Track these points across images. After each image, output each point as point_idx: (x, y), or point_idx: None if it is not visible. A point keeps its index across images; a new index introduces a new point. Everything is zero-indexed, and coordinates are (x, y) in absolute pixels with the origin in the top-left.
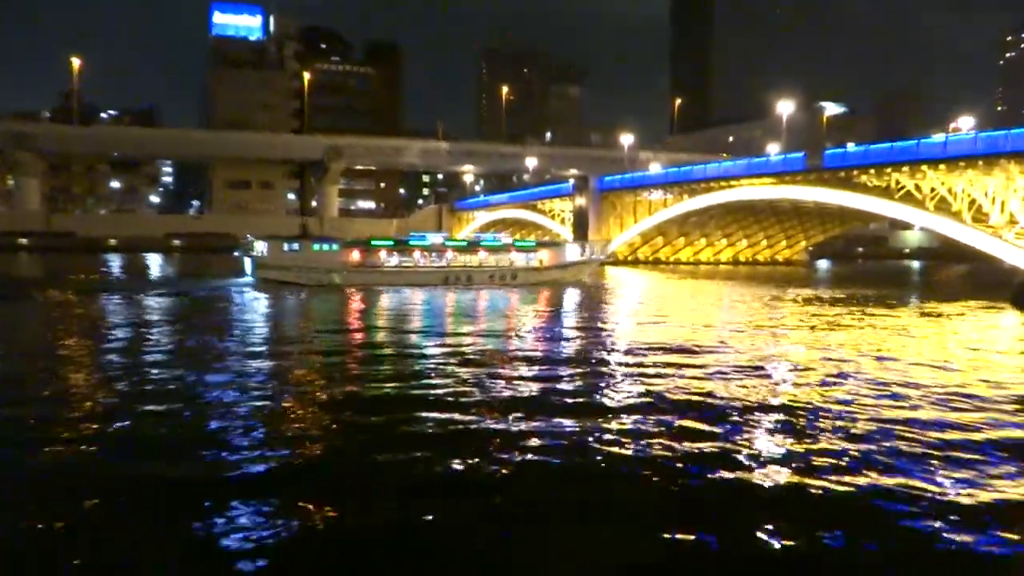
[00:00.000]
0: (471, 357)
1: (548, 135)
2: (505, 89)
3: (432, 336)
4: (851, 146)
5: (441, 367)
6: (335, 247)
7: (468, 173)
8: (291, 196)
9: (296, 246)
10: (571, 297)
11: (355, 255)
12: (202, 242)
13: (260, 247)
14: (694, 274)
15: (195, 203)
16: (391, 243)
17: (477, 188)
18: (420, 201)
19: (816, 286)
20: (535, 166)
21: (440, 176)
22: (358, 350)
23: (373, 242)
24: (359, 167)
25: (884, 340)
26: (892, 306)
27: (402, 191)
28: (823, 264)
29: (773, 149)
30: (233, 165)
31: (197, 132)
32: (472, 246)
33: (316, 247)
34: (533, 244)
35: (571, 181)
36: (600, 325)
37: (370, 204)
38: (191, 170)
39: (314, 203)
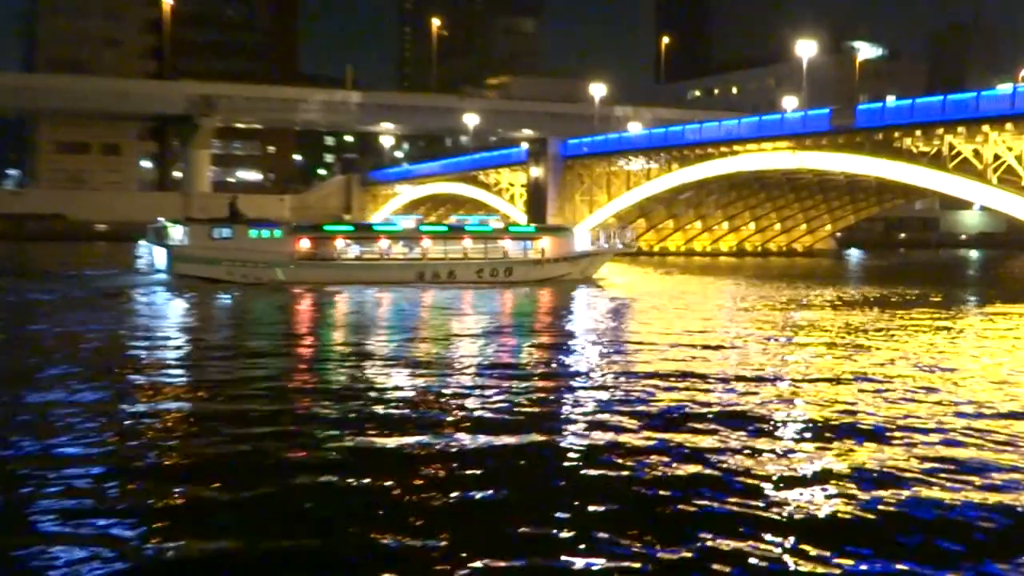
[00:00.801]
0: (461, 411)
1: (495, 85)
2: (436, 23)
3: (399, 368)
4: (891, 100)
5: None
6: (278, 233)
7: (387, 134)
8: (146, 164)
9: (227, 232)
10: (586, 303)
11: (304, 244)
12: (20, 227)
13: (177, 233)
14: (686, 268)
15: (12, 173)
16: (350, 229)
17: (399, 155)
18: (322, 172)
19: (845, 284)
20: (476, 125)
21: (349, 138)
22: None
23: (327, 227)
24: (240, 125)
25: (935, 357)
26: (943, 311)
27: (298, 158)
28: (854, 254)
29: (790, 104)
30: (65, 122)
31: (13, 76)
32: (455, 233)
33: (254, 233)
34: (532, 230)
35: (524, 145)
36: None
37: (255, 175)
38: (5, 129)
39: (178, 173)
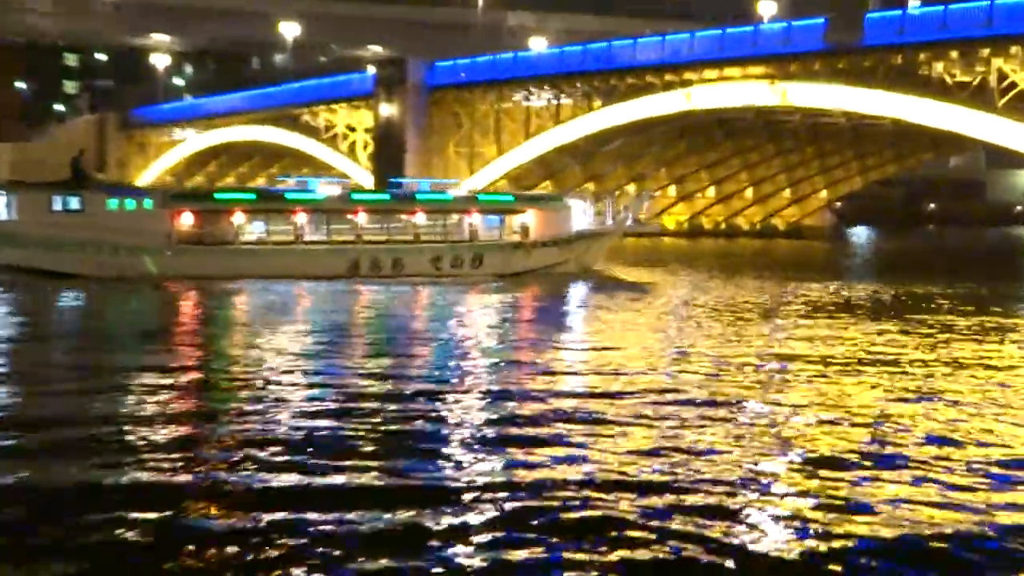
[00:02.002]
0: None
1: None
2: None
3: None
4: (914, 5)
5: None
6: (148, 204)
7: (160, 51)
8: None
9: (75, 202)
10: (583, 308)
11: (186, 220)
12: None
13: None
14: (615, 254)
15: None
16: (251, 198)
17: (179, 83)
18: (60, 108)
19: (843, 281)
20: (298, 38)
21: (102, 57)
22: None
23: (219, 195)
24: None
25: (981, 394)
26: (1002, 330)
27: (22, 87)
28: (861, 235)
29: (767, 10)
30: None
31: None
32: (401, 203)
33: (113, 204)
34: (511, 199)
35: (371, 70)
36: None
37: None
38: None
39: None
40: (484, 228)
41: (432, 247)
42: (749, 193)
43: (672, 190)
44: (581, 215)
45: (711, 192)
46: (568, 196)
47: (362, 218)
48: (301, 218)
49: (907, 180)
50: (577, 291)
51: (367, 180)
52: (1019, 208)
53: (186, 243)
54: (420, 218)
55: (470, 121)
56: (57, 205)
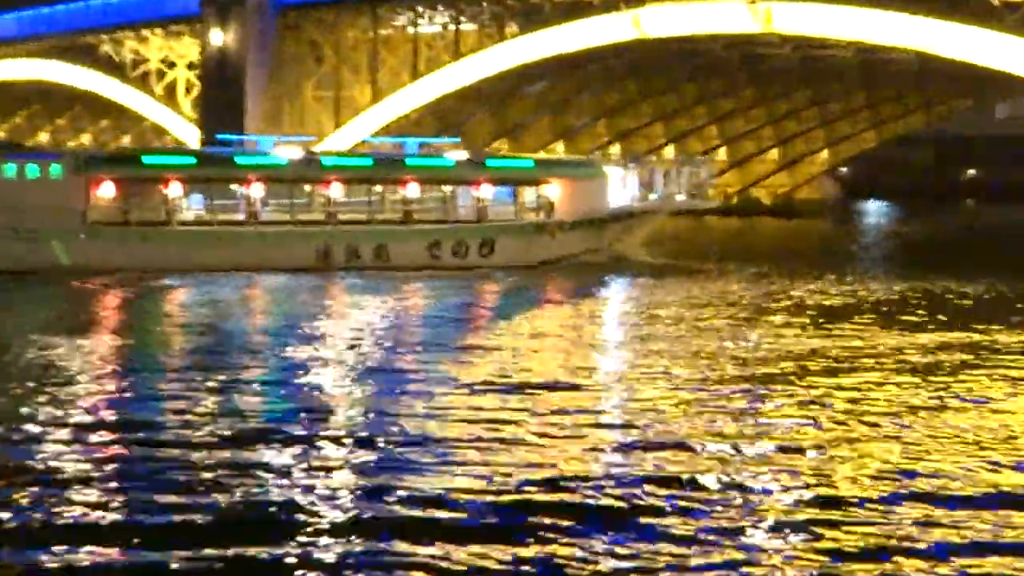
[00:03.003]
0: None
1: None
2: None
3: None
4: None
5: None
6: (56, 170)
7: None
8: None
9: None
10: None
11: (105, 191)
12: None
13: None
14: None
15: None
16: (189, 162)
17: None
18: None
19: (851, 274)
20: None
21: None
22: None
23: (147, 158)
24: None
25: None
26: None
27: None
28: (872, 210)
29: None
30: None
31: None
32: (387, 168)
33: (10, 170)
34: (530, 165)
35: None
36: None
37: None
38: None
39: None
40: (497, 202)
41: (428, 229)
42: (722, 154)
43: (616, 149)
44: (620, 187)
45: (669, 152)
46: (610, 163)
47: (335, 190)
48: (256, 190)
49: (937, 137)
50: (616, 288)
51: (191, 136)
52: None
53: (104, 224)
54: (412, 190)
55: (335, 54)
56: None
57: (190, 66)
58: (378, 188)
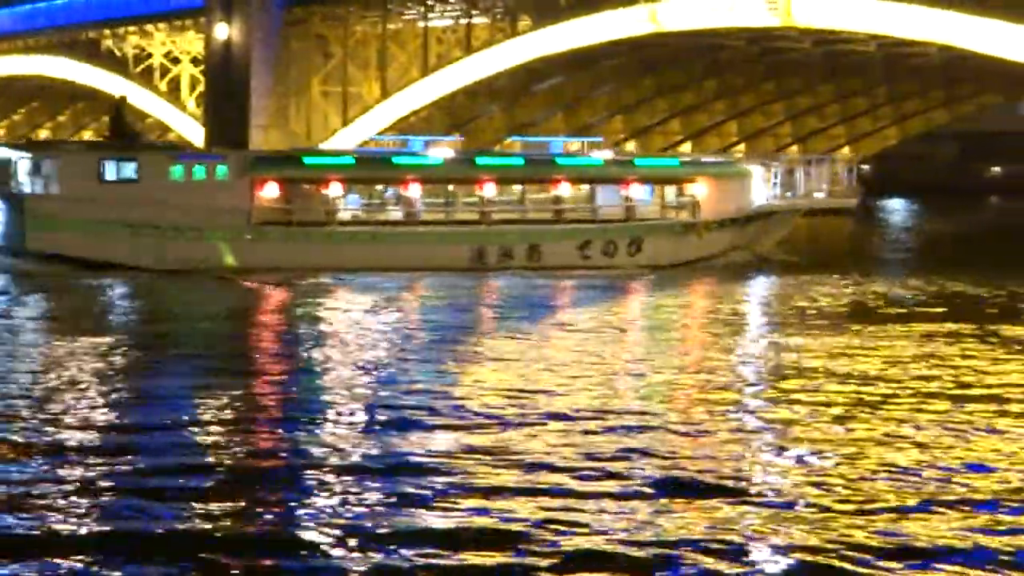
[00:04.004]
0: None
1: None
2: None
3: None
4: None
5: None
6: (222, 171)
7: None
8: None
9: (131, 169)
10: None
11: (269, 192)
12: None
13: (27, 171)
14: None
15: None
16: (348, 162)
17: None
18: None
19: (875, 280)
20: None
21: None
22: None
23: (309, 159)
24: None
25: None
26: None
27: None
28: (894, 208)
29: None
30: None
31: None
32: (537, 169)
33: (177, 171)
34: (676, 164)
35: None
36: None
37: None
38: None
39: None
40: (646, 202)
41: (579, 229)
42: (741, 150)
43: (631, 146)
44: (761, 186)
45: (687, 148)
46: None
47: (489, 190)
48: (414, 191)
49: (961, 134)
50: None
51: (196, 133)
52: None
53: (269, 223)
54: (564, 190)
55: (343, 49)
56: (108, 173)
57: (194, 61)
58: (531, 188)
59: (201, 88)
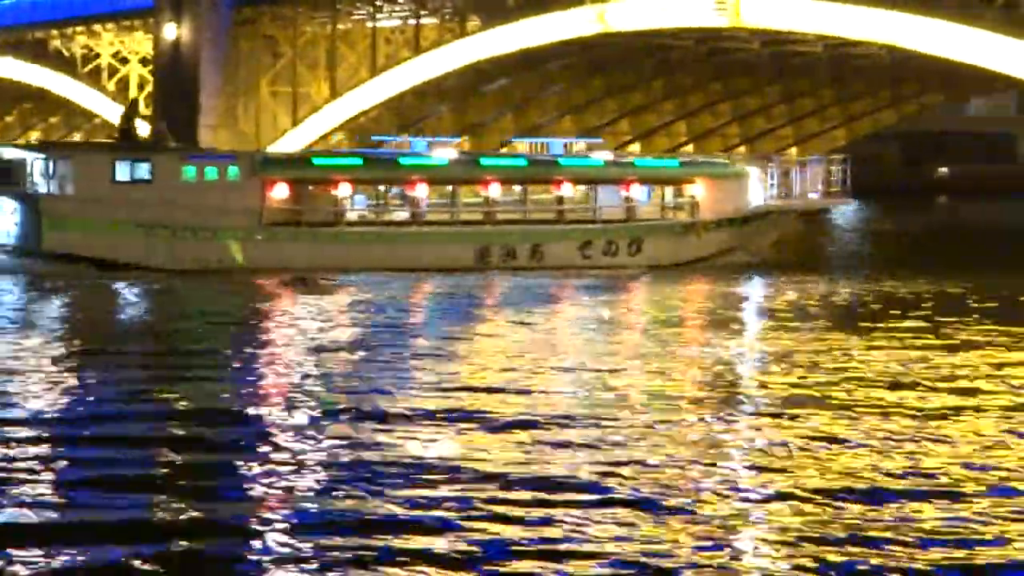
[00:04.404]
0: None
1: None
2: None
3: None
4: None
5: None
6: (233, 172)
7: None
8: None
9: (144, 170)
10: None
11: (278, 193)
12: None
13: (41, 171)
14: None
15: None
16: (356, 163)
17: None
18: None
19: (819, 283)
20: None
21: None
22: None
23: (318, 160)
24: None
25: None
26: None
27: None
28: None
29: None
30: None
31: None
32: (541, 171)
33: (189, 172)
34: (675, 165)
35: None
36: None
37: None
38: None
39: None
40: (647, 203)
41: (580, 229)
42: (689, 151)
43: (580, 145)
44: (757, 187)
45: (636, 148)
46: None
47: (494, 190)
48: (420, 190)
49: (908, 134)
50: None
51: (144, 133)
52: None
53: (279, 224)
54: (566, 190)
55: (292, 50)
56: (121, 174)
57: (143, 61)
58: (533, 188)
59: (150, 88)
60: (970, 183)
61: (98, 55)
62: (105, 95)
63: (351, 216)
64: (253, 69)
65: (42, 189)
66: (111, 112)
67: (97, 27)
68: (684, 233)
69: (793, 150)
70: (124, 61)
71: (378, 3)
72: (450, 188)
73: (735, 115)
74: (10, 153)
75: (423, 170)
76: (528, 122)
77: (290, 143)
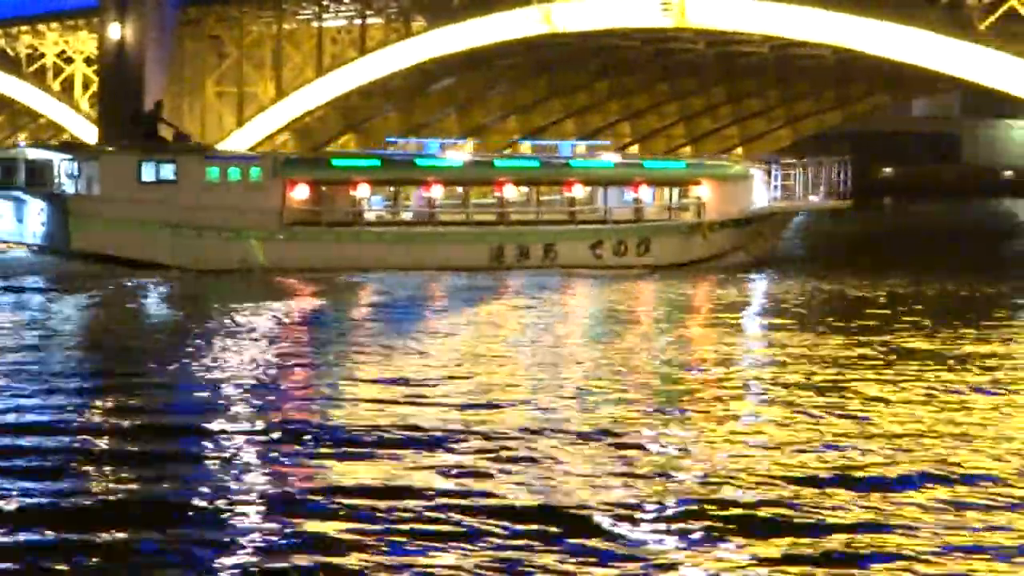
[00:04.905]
0: None
1: None
2: None
3: None
4: None
5: None
6: (256, 172)
7: None
8: None
9: (169, 170)
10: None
11: (299, 194)
12: None
13: (68, 172)
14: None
15: None
16: (374, 164)
17: None
18: None
19: (756, 276)
20: None
21: None
22: None
23: (337, 161)
24: None
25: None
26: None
27: None
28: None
29: None
30: None
31: None
32: (553, 172)
33: (213, 173)
34: (682, 166)
35: None
36: None
37: None
38: None
39: None
40: (654, 204)
41: (591, 229)
42: (634, 151)
43: (526, 146)
44: (762, 189)
45: (582, 148)
46: (753, 166)
47: (508, 191)
48: (435, 191)
49: (853, 134)
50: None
51: (89, 133)
52: (1008, 173)
53: (299, 224)
54: (577, 191)
55: (237, 50)
56: (148, 175)
57: (88, 61)
58: (545, 189)
59: (95, 88)
60: (915, 183)
61: (43, 55)
62: (50, 95)
63: (369, 216)
64: (198, 69)
65: (69, 190)
66: (56, 111)
67: (42, 27)
68: (690, 233)
69: (739, 150)
70: (69, 61)
71: (324, 3)
72: (464, 189)
73: (681, 115)
74: (37, 154)
75: (439, 171)
76: (473, 121)
77: (236, 143)
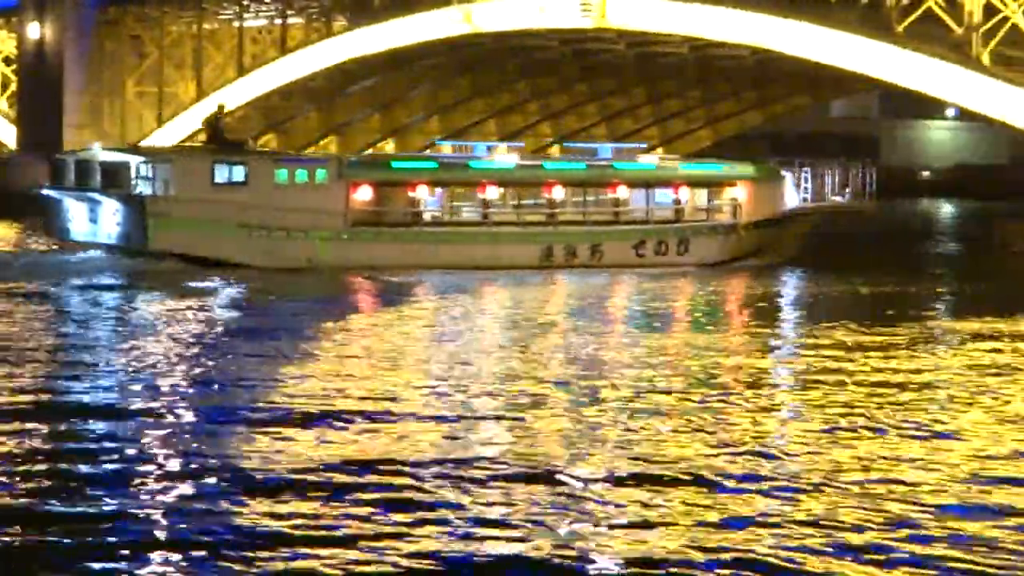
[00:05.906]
0: None
1: None
2: None
3: None
4: None
5: None
6: (321, 174)
7: None
8: None
9: (240, 172)
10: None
11: (362, 195)
12: None
13: (143, 174)
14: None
15: None
16: (432, 166)
17: None
18: None
19: (683, 278)
20: None
21: None
22: None
23: (398, 164)
24: None
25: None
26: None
27: None
28: None
29: None
30: None
31: None
32: (600, 175)
33: (282, 175)
34: (720, 168)
35: None
36: None
37: None
38: None
39: None
40: (691, 206)
41: (635, 230)
42: (555, 152)
43: (447, 148)
44: (792, 189)
45: (503, 149)
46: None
47: (558, 193)
48: (490, 192)
49: (772, 135)
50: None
51: (8, 133)
52: (925, 174)
53: (361, 224)
54: (622, 193)
55: (158, 49)
56: (221, 176)
57: (6, 61)
58: (592, 191)
59: (14, 88)
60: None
61: None
62: None
63: (426, 217)
64: (118, 69)
65: (145, 191)
66: None
67: None
68: (727, 234)
69: (659, 150)
70: None
71: (245, 3)
72: (515, 190)
73: (601, 116)
74: (112, 156)
75: (493, 173)
76: (395, 122)
77: (156, 143)
